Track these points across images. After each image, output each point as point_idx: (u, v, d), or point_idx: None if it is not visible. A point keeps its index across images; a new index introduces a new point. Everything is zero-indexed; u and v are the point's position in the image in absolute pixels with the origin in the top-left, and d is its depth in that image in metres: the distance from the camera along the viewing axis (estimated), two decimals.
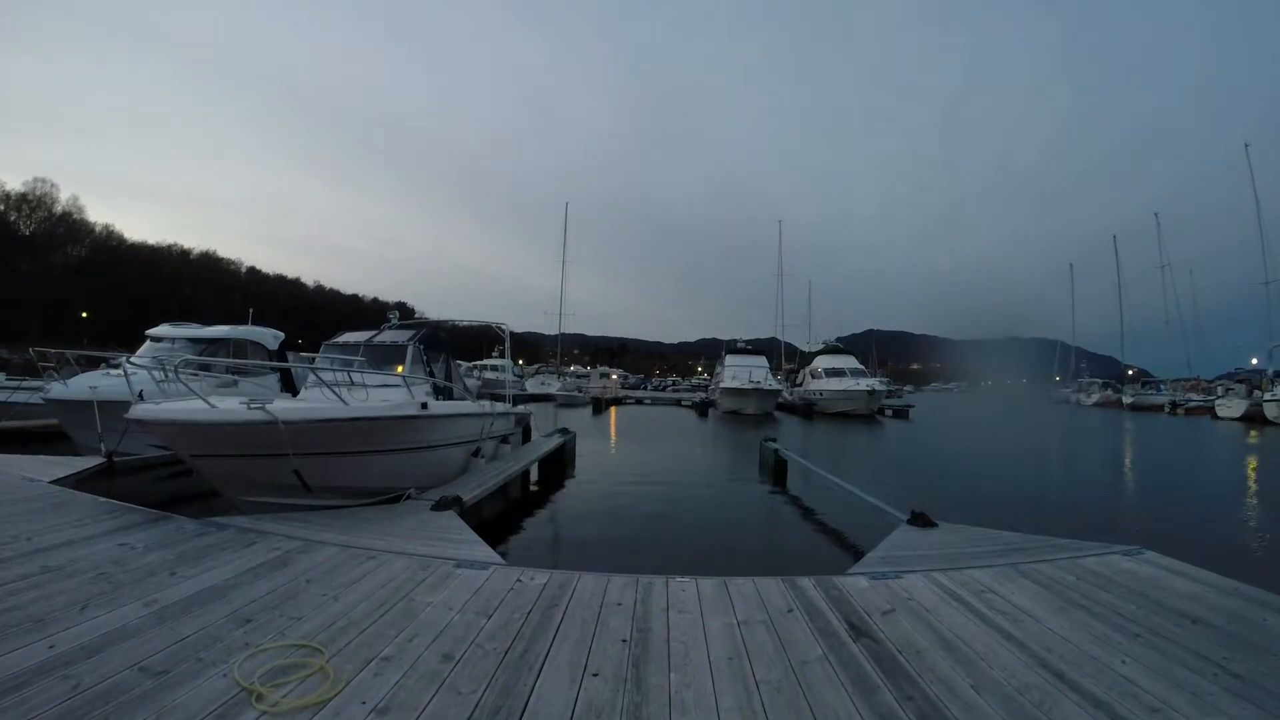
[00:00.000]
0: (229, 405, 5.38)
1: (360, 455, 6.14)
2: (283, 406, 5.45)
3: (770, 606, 3.59)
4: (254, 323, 15.26)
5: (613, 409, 35.59)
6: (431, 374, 8.38)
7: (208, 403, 5.35)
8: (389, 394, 6.84)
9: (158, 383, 6.12)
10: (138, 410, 5.29)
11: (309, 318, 71.96)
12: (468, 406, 8.50)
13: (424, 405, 6.68)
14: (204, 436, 5.29)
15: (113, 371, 9.93)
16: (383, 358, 8.41)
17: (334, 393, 6.05)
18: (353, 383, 6.87)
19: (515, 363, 56.06)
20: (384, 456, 6.39)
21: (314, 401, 6.44)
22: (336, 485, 6.09)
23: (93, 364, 12.43)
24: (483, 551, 4.68)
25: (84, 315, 59.00)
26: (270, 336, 13.83)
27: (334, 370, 7.41)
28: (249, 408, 5.25)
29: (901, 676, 2.74)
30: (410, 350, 8.37)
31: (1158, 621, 3.41)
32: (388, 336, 8.78)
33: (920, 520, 5.88)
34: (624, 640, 3.08)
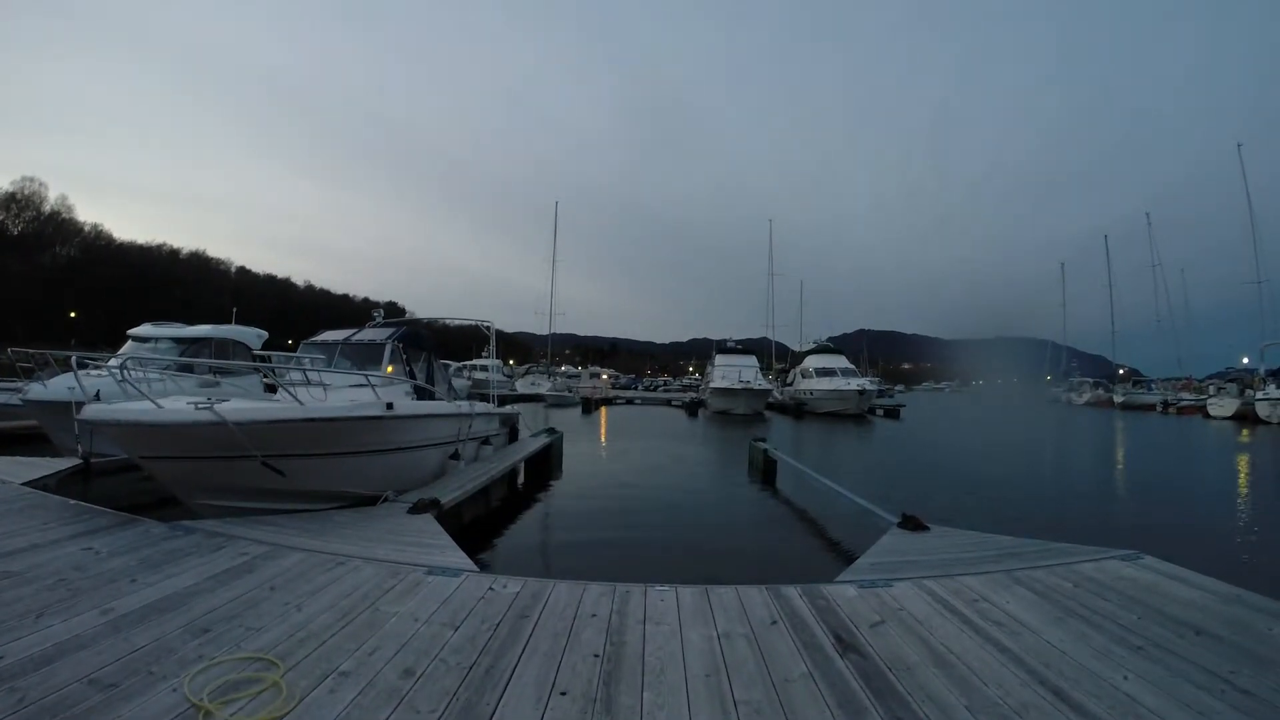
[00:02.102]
0: (176, 406, 5.20)
1: (322, 457, 5.92)
2: (232, 407, 5.22)
3: (753, 618, 3.43)
4: (240, 322, 15.12)
5: (603, 409, 35.36)
6: (412, 373, 8.16)
7: (155, 403, 5.16)
8: (358, 394, 6.62)
9: (118, 382, 5.94)
10: (88, 411, 5.17)
11: (299, 317, 71.56)
12: (442, 407, 8.23)
13: (390, 405, 6.43)
14: (150, 437, 5.11)
15: (93, 372, 9.74)
16: (361, 356, 8.17)
17: (289, 393, 5.87)
18: (309, 382, 6.64)
19: (505, 363, 55.99)
20: (349, 458, 6.17)
21: (273, 402, 6.24)
22: (300, 489, 5.89)
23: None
24: (456, 557, 4.51)
25: (72, 315, 58.48)
26: (253, 336, 13.70)
27: (297, 369, 7.22)
28: (196, 408, 5.06)
29: (891, 696, 2.57)
30: (388, 349, 8.16)
31: (1159, 632, 3.26)
32: (366, 335, 8.55)
33: (911, 524, 5.75)
34: (596, 655, 2.92)
